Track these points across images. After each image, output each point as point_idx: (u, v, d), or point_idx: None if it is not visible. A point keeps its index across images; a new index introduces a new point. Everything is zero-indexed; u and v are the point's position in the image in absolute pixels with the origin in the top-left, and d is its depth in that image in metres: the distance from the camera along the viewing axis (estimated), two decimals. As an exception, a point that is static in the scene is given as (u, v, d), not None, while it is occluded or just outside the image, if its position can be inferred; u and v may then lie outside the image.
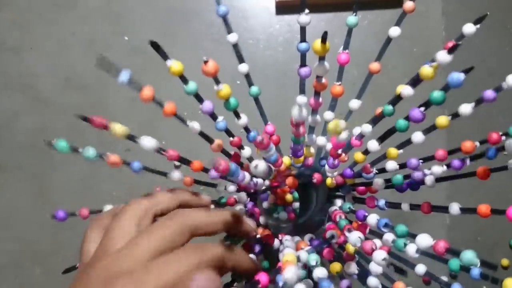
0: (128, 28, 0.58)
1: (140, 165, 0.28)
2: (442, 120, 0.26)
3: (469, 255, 0.23)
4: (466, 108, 0.25)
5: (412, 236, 0.27)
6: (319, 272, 0.26)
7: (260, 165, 0.25)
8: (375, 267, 0.28)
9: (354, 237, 0.27)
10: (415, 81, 0.23)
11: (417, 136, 0.27)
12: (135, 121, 0.58)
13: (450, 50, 0.21)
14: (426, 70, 0.22)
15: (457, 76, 0.21)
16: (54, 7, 0.58)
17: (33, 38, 0.58)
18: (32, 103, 0.57)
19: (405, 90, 0.23)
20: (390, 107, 0.25)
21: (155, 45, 0.23)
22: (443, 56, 0.21)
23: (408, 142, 0.27)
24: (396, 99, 0.25)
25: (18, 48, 0.58)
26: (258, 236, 0.35)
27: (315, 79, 0.27)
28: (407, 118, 0.24)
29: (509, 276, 0.23)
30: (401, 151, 0.29)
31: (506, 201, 0.29)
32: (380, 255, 0.26)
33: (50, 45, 0.58)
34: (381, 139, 0.27)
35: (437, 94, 0.23)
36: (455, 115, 0.26)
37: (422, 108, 0.24)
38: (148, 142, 0.25)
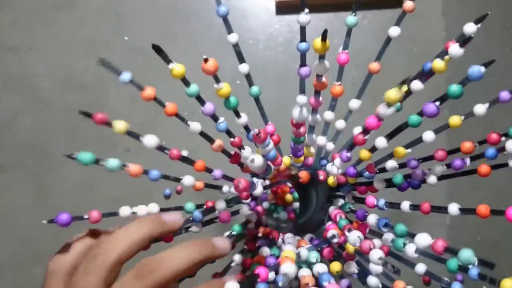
0: (128, 28, 0.58)
1: (158, 173, 0.28)
2: (455, 120, 0.26)
3: (467, 254, 0.23)
4: (480, 109, 0.25)
5: (411, 236, 0.27)
6: (319, 267, 0.26)
7: (256, 160, 0.25)
8: (375, 267, 0.28)
9: (354, 237, 0.27)
10: (427, 75, 0.23)
11: (428, 135, 0.27)
12: (135, 121, 0.58)
13: (462, 44, 0.21)
14: (439, 63, 0.22)
15: (478, 69, 0.21)
16: (54, 7, 0.58)
17: (33, 38, 0.58)
18: (32, 103, 0.57)
19: (415, 84, 0.23)
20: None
21: (157, 49, 0.23)
22: (455, 49, 0.21)
23: (418, 141, 0.27)
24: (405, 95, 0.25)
25: (18, 48, 0.58)
26: (260, 234, 0.35)
27: (315, 78, 0.27)
28: (421, 113, 0.24)
29: (507, 277, 0.23)
30: (409, 150, 0.28)
31: (506, 200, 0.29)
32: (376, 254, 0.26)
33: (50, 45, 0.58)
34: (390, 136, 0.27)
35: (455, 88, 0.22)
36: (469, 115, 0.26)
37: (437, 103, 0.23)
38: (149, 140, 0.25)
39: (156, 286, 0.22)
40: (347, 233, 0.28)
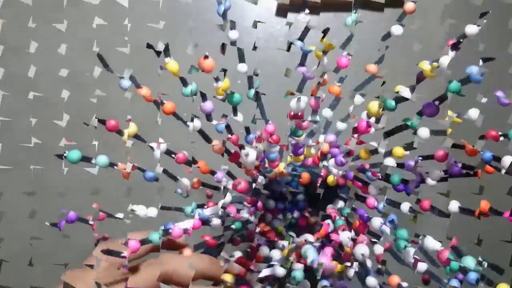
0: (128, 28, 0.58)
1: (153, 174, 0.28)
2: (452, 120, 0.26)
3: (469, 262, 0.24)
4: (475, 113, 0.25)
5: (416, 236, 0.28)
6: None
7: (251, 154, 0.26)
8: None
9: (345, 237, 0.27)
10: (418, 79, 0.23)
11: (423, 132, 0.27)
12: (135, 122, 0.58)
13: (453, 47, 0.21)
14: (425, 64, 0.23)
15: (476, 70, 0.22)
16: (54, 7, 0.58)
17: (33, 38, 0.58)
18: (32, 103, 0.57)
19: (403, 90, 0.24)
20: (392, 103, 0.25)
21: (151, 46, 0.23)
22: (445, 59, 0.22)
23: (412, 144, 0.28)
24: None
25: (18, 48, 0.58)
26: (258, 230, 0.35)
27: (314, 85, 0.27)
28: (420, 113, 0.24)
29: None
30: (407, 152, 0.29)
31: (506, 203, 0.29)
32: (360, 249, 0.27)
33: (50, 45, 0.58)
34: (388, 134, 0.27)
35: (455, 85, 0.23)
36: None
37: (437, 102, 0.24)
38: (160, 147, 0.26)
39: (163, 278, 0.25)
40: (340, 233, 0.28)
